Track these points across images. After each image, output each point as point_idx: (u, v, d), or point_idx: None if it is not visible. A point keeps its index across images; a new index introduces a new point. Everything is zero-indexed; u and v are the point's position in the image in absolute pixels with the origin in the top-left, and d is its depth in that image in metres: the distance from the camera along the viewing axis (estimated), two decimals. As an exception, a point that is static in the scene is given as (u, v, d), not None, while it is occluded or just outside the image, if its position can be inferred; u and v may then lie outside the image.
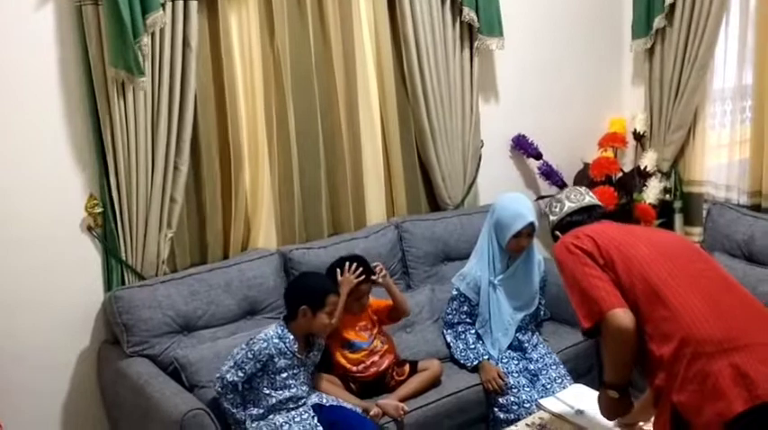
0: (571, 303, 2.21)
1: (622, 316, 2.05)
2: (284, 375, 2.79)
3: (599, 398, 2.34)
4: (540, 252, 3.52)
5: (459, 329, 3.32)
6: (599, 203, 2.56)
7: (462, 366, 3.24)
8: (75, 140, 2.94)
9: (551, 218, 2.56)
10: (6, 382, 2.89)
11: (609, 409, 2.31)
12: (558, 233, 2.49)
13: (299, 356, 2.82)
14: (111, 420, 3.10)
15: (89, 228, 3.01)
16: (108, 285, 3.04)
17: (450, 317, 3.35)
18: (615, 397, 2.23)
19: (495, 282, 3.28)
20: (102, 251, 3.04)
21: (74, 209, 2.97)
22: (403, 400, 2.97)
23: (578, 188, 2.65)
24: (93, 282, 3.04)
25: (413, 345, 3.30)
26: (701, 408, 1.96)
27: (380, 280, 3.09)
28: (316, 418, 2.80)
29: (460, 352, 3.26)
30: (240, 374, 2.73)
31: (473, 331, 3.30)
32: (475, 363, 3.20)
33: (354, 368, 3.07)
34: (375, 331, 3.14)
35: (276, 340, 2.78)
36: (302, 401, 2.84)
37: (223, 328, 3.09)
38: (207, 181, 3.21)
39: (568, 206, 2.51)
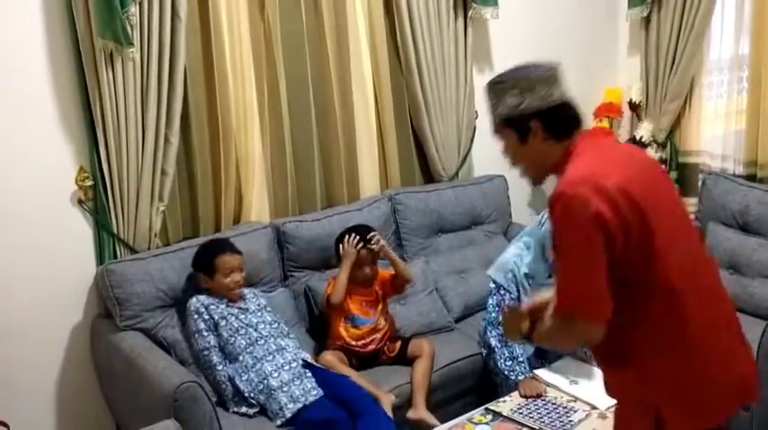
0: (557, 267, 1.74)
1: (598, 334, 1.72)
2: (244, 331, 2.85)
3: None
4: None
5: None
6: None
7: (456, 339, 3.23)
8: (64, 113, 2.90)
9: (525, 100, 1.77)
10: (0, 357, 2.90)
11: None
12: (514, 120, 1.79)
13: (239, 307, 2.89)
14: (105, 393, 3.10)
15: (80, 202, 2.98)
16: (100, 259, 3.02)
17: (493, 316, 2.97)
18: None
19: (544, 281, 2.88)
20: (93, 224, 3.02)
21: (64, 182, 2.94)
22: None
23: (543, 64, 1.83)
24: (85, 255, 3.02)
25: (406, 318, 3.29)
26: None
27: (375, 247, 3.08)
28: (308, 372, 2.83)
29: (505, 360, 2.92)
30: (209, 340, 2.82)
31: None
32: (521, 379, 2.88)
33: (354, 343, 3.07)
34: (380, 308, 3.15)
35: (202, 310, 2.85)
36: (288, 351, 2.87)
37: (217, 302, 3.09)
38: (198, 153, 3.17)
39: (559, 93, 1.80)
